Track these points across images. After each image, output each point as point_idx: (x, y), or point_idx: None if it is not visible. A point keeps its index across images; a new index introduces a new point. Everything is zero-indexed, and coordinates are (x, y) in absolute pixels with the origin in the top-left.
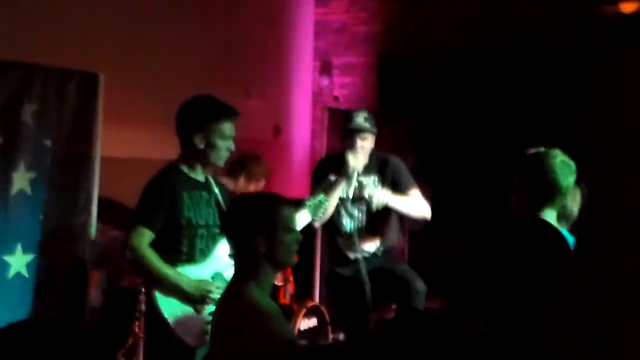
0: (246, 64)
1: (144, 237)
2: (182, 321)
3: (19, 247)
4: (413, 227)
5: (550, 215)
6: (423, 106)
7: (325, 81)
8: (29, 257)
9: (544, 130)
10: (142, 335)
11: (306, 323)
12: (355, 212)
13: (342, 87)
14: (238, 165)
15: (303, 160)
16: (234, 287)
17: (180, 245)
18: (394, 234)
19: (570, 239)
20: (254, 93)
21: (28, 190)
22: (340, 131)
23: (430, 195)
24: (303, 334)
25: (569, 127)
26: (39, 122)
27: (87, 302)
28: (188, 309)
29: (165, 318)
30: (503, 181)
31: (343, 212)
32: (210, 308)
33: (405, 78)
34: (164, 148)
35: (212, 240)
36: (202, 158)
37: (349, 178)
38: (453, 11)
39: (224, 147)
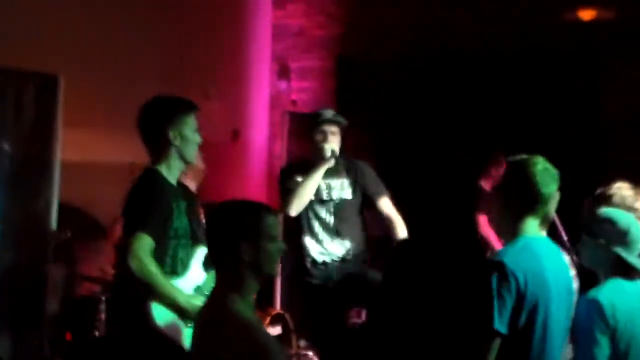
0: (204, 67)
1: (147, 246)
2: (174, 332)
3: None
4: (372, 233)
5: (532, 225)
6: (382, 111)
7: (283, 85)
8: None
9: (505, 133)
10: None
11: (270, 331)
12: (323, 214)
13: (300, 91)
14: None
15: (260, 164)
16: (216, 299)
17: (166, 256)
18: (362, 238)
19: (553, 247)
20: (212, 96)
21: None
22: (309, 128)
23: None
24: None
25: (531, 129)
26: None
27: (46, 311)
28: (174, 319)
29: (160, 327)
30: (464, 186)
31: (311, 214)
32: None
33: (364, 82)
34: (123, 153)
35: (190, 251)
36: (178, 155)
37: (327, 160)
38: (412, 14)
39: (195, 141)
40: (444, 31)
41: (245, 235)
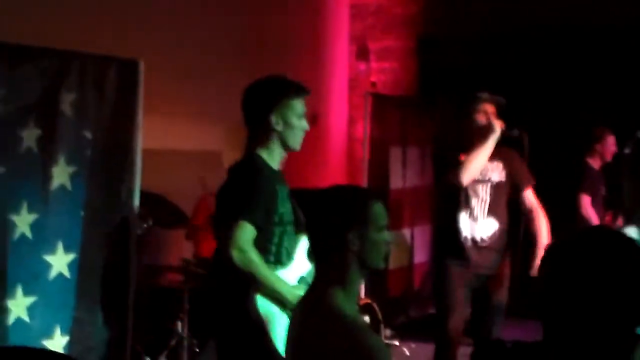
0: (282, 49)
1: (249, 234)
2: (278, 327)
3: (60, 246)
4: None
5: None
6: (465, 92)
7: (362, 66)
8: (71, 257)
9: (591, 112)
10: (185, 336)
11: None
12: (481, 192)
13: (380, 72)
14: None
15: (340, 149)
16: (316, 292)
17: (270, 245)
18: (507, 221)
19: None
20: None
21: (68, 185)
22: (462, 109)
23: None
24: None
25: (620, 109)
26: (78, 112)
27: (130, 303)
28: (284, 316)
29: (265, 324)
30: (553, 167)
31: (470, 191)
32: None
33: (447, 62)
34: (203, 139)
35: (294, 239)
36: (280, 141)
37: (497, 134)
38: None
39: (300, 127)
40: (528, 7)
41: (353, 223)
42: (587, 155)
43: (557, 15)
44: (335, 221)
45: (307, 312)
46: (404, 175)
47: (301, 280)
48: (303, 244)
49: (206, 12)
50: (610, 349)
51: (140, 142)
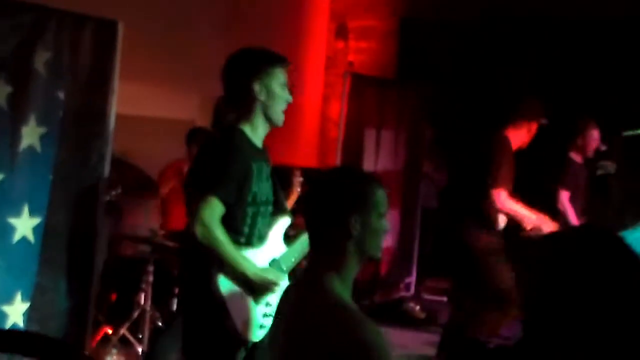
0: (260, 22)
1: (216, 211)
2: (240, 309)
3: (25, 209)
4: (426, 204)
5: None
6: (446, 77)
7: (340, 45)
8: (36, 221)
9: (572, 99)
10: (148, 308)
11: None
12: None
13: (358, 52)
14: (198, 132)
15: (312, 126)
16: (313, 278)
17: (242, 225)
18: None
19: None
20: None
21: (37, 146)
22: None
23: (445, 168)
24: None
25: (602, 95)
26: (52, 72)
27: (95, 272)
28: (248, 297)
29: (226, 303)
30: (536, 159)
31: None
32: (266, 298)
33: (428, 46)
34: (176, 108)
35: (269, 220)
36: (263, 114)
37: None
38: None
39: (283, 98)
40: None
41: (356, 207)
42: (569, 149)
43: (543, 2)
44: (338, 204)
45: (303, 297)
46: (377, 158)
47: (273, 262)
48: (279, 225)
49: None
50: (591, 351)
51: (115, 107)
